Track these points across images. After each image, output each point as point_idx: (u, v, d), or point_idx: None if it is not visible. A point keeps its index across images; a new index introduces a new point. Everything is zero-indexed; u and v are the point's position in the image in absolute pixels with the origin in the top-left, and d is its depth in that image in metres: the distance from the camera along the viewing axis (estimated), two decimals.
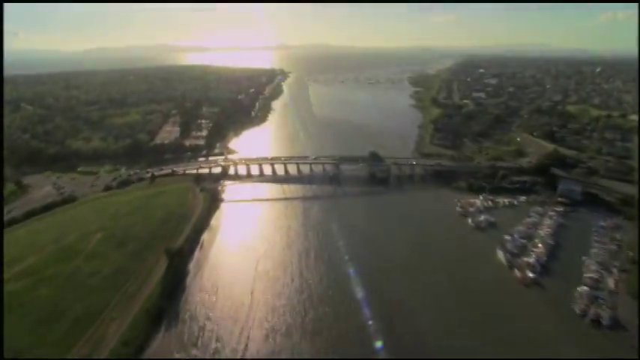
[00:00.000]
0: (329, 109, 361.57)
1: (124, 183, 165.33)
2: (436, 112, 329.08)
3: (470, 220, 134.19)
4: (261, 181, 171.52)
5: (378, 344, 78.99)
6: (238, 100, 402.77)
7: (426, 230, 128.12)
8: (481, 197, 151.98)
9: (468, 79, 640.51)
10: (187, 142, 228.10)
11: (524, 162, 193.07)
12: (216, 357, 78.47)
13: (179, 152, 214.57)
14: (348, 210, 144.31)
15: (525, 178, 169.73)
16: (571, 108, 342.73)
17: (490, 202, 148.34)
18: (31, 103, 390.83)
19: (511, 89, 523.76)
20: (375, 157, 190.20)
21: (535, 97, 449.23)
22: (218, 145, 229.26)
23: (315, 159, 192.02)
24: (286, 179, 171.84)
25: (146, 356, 79.14)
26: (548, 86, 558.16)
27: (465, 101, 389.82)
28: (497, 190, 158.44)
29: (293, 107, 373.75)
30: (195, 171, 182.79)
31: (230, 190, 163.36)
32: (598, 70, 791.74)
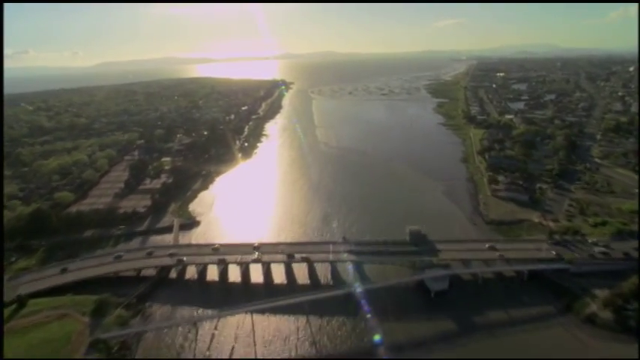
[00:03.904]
0: (337, 134, 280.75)
1: None
2: (477, 134, 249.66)
3: None
4: (220, 307, 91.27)
5: None
6: (225, 123, 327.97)
7: None
8: None
9: (494, 86, 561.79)
10: (124, 206, 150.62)
11: None
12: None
13: (108, 225, 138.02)
14: None
15: None
16: None
17: None
18: None
19: (551, 97, 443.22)
20: (418, 241, 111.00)
21: (587, 106, 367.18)
22: (172, 207, 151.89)
23: (315, 246, 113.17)
24: (265, 307, 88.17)
25: None
26: (592, 91, 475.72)
27: (509, 117, 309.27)
28: None
29: (291, 131, 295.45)
30: (112, 274, 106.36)
31: (153, 337, 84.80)
32: (631, 68, 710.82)
